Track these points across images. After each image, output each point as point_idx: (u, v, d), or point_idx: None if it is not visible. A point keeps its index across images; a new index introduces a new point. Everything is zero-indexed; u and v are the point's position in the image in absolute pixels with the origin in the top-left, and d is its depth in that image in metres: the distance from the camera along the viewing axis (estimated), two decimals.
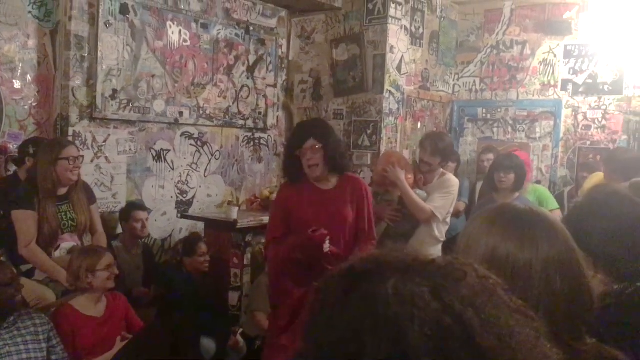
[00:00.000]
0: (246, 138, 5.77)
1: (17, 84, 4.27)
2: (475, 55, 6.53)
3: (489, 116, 6.45)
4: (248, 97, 5.70)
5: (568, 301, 1.12)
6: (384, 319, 0.61)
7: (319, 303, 0.70)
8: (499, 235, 1.17)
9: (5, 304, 2.75)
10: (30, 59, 4.32)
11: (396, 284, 0.64)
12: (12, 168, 4.14)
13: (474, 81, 6.55)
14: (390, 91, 5.68)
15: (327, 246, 2.95)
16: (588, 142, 5.88)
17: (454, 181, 3.98)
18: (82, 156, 3.79)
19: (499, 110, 6.38)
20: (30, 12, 4.29)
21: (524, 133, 6.22)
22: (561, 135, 6.01)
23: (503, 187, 4.07)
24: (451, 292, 0.63)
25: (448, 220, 3.91)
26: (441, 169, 4.00)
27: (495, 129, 6.41)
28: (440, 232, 3.85)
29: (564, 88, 6.03)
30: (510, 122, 6.31)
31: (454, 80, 6.65)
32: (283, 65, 6.11)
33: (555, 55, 6.07)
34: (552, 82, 6.09)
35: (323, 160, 2.99)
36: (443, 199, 3.81)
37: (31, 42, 4.32)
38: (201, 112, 5.26)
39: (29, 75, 4.33)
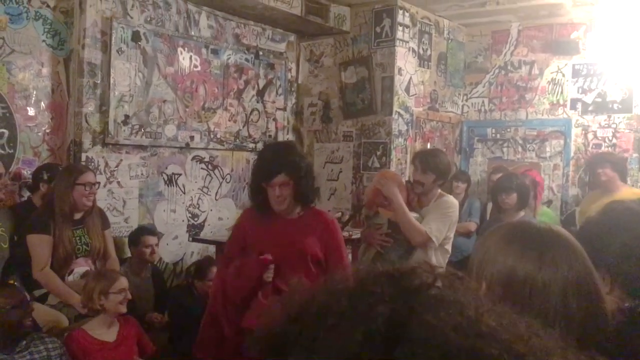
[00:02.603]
0: None
1: (31, 111, 4.34)
2: (483, 76, 6.56)
3: (498, 136, 6.45)
4: (258, 120, 5.75)
5: (583, 322, 1.11)
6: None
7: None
8: (517, 255, 1.15)
9: (13, 326, 2.76)
10: (44, 86, 4.39)
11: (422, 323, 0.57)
12: (26, 194, 4.19)
13: (483, 101, 6.56)
14: (399, 112, 5.71)
15: (269, 275, 2.77)
16: None
17: (452, 203, 3.58)
18: (99, 182, 3.85)
19: (509, 130, 6.37)
20: (44, 40, 4.37)
21: (534, 152, 6.21)
22: (572, 154, 6.00)
23: (506, 207, 4.12)
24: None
25: (448, 247, 3.52)
26: (439, 190, 3.59)
27: (505, 149, 6.41)
28: (438, 261, 3.42)
29: (573, 107, 6.02)
30: (520, 141, 6.31)
31: (462, 101, 6.67)
32: (292, 89, 6.17)
33: (563, 75, 6.08)
34: (561, 102, 6.10)
35: (291, 195, 2.82)
36: (439, 222, 3.42)
37: (45, 70, 4.39)
38: (212, 136, 5.31)
39: (42, 103, 4.40)
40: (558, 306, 1.10)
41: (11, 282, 3.37)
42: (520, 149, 6.30)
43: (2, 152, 4.16)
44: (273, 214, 2.89)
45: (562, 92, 6.09)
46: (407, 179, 5.50)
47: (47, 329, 3.20)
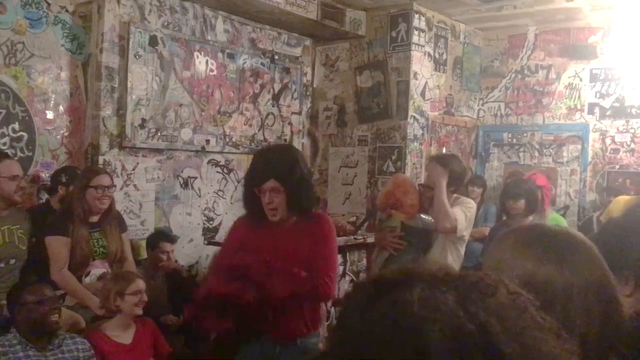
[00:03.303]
0: None
1: (49, 115, 4.39)
2: (499, 80, 6.53)
3: (514, 141, 6.41)
4: (273, 124, 5.77)
5: (602, 325, 1.10)
6: (405, 322, 0.62)
7: (344, 309, 0.71)
8: (537, 259, 1.13)
9: (38, 322, 2.81)
10: (62, 90, 4.45)
11: (422, 291, 0.65)
12: (44, 196, 4.23)
13: (499, 106, 6.53)
14: (414, 117, 5.69)
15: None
16: (617, 166, 5.80)
17: (471, 201, 3.68)
18: (114, 185, 3.84)
19: (525, 134, 6.34)
20: (63, 45, 4.43)
21: (551, 157, 6.16)
22: (589, 159, 5.94)
23: (514, 213, 4.09)
24: (477, 303, 0.64)
25: (462, 250, 3.53)
26: (454, 195, 3.58)
27: (521, 154, 6.36)
28: (453, 259, 3.45)
29: (590, 112, 5.98)
30: (537, 146, 6.26)
31: (478, 106, 6.64)
32: (308, 93, 6.18)
33: (581, 79, 6.03)
34: (579, 106, 6.05)
35: (283, 203, 2.61)
36: (461, 214, 3.43)
37: (64, 74, 4.45)
38: (227, 139, 5.33)
39: (61, 106, 4.45)
40: (578, 308, 1.09)
41: None
42: (536, 153, 6.26)
43: (21, 154, 4.21)
44: (268, 222, 2.68)
45: (579, 97, 6.05)
46: (420, 182, 5.49)
47: (65, 329, 3.23)
